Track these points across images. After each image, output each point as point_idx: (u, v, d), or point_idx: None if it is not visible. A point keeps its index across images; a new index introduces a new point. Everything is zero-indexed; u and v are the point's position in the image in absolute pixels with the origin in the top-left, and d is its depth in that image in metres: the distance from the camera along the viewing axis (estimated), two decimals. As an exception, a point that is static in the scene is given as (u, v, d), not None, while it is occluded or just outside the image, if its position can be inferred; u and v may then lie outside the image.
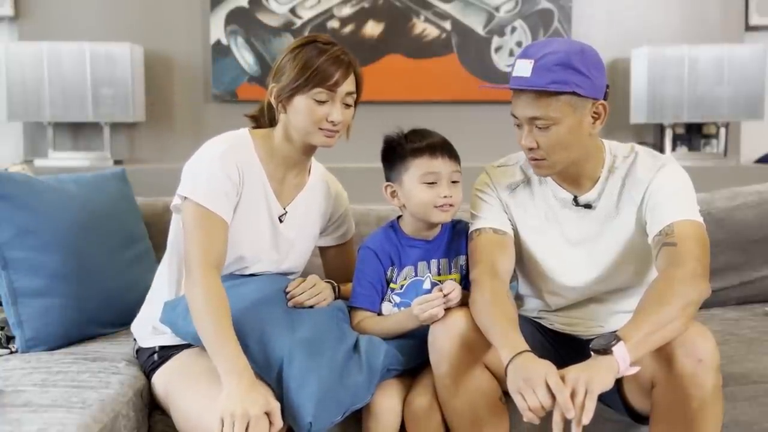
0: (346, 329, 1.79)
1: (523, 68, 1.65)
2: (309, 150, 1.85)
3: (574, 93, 1.63)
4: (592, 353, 1.49)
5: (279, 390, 1.63)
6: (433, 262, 1.89)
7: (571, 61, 1.63)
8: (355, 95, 1.82)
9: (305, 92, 1.75)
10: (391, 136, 1.89)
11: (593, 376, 1.44)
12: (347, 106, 1.80)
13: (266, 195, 1.84)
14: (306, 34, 4.25)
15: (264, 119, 1.90)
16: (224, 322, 1.63)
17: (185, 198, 1.74)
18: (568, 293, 1.84)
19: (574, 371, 1.46)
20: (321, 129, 1.77)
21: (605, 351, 1.46)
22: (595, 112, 1.69)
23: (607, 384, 1.45)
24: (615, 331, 1.51)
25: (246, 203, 1.80)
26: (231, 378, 1.55)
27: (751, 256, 2.47)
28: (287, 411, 1.61)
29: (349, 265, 2.01)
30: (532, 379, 1.46)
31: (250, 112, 1.94)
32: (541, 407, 1.44)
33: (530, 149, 1.70)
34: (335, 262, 2.06)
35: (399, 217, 1.94)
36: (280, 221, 1.87)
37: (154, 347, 1.82)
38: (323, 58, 1.75)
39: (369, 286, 1.87)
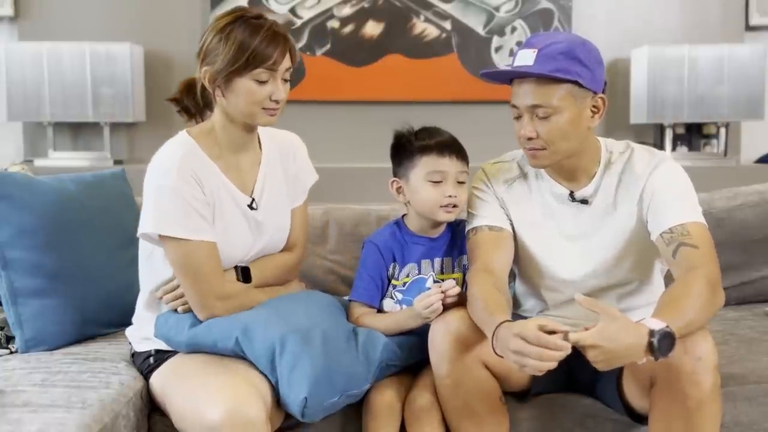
0: (341, 320, 1.79)
1: (526, 57, 1.66)
2: (252, 129, 1.81)
3: (576, 83, 1.66)
4: (653, 344, 1.44)
5: (273, 377, 1.63)
6: (437, 261, 1.90)
7: (574, 51, 1.66)
8: (291, 68, 1.77)
9: (245, 74, 1.70)
10: (401, 132, 1.89)
11: (616, 362, 1.46)
12: (284, 81, 1.76)
13: (229, 191, 1.78)
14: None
15: (189, 101, 1.85)
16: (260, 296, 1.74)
17: (161, 236, 1.70)
18: (565, 288, 1.83)
19: (608, 345, 1.43)
20: (264, 109, 1.73)
21: (662, 356, 1.45)
22: (594, 106, 1.71)
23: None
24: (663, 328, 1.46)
25: (217, 211, 1.76)
26: None
27: (751, 256, 2.47)
28: (282, 395, 1.62)
29: (303, 224, 1.93)
30: (506, 340, 1.48)
31: (171, 95, 1.87)
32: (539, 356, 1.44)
33: (529, 139, 1.70)
34: (294, 221, 1.93)
35: (405, 215, 1.95)
36: (252, 208, 1.81)
37: (150, 350, 1.82)
38: (259, 38, 1.69)
39: (369, 280, 1.87)
